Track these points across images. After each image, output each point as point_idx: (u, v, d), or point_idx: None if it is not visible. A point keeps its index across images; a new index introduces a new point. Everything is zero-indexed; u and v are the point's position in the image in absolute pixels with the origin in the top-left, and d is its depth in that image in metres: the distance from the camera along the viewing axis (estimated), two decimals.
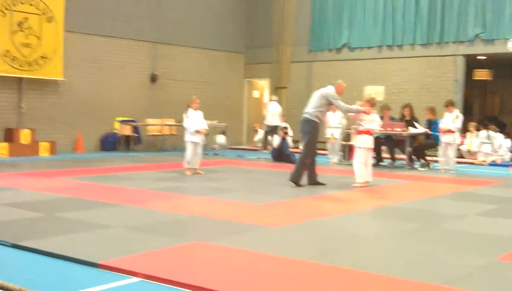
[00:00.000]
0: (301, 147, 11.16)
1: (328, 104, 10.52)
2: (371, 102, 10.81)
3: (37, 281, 4.33)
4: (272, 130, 18.99)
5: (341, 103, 10.47)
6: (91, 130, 18.05)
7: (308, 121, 10.43)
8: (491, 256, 5.39)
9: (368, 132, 10.65)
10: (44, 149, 16.09)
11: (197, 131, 11.85)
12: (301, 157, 10.54)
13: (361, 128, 10.68)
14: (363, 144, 10.61)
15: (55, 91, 17.20)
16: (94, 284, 4.27)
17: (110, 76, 18.48)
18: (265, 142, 19.40)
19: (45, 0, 16.43)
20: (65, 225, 6.42)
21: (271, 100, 19.93)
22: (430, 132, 14.35)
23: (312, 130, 10.41)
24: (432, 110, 14.70)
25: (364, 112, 10.58)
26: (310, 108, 10.47)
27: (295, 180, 10.28)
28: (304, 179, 10.45)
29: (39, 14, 16.37)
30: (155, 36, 19.62)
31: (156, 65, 19.77)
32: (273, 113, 19.23)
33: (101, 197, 8.46)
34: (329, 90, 10.48)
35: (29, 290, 3.78)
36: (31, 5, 16.18)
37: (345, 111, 11.17)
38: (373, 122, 10.80)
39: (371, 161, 11.01)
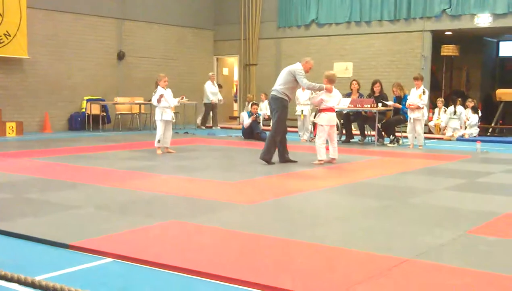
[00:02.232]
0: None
1: (296, 81, 10.45)
2: (330, 79, 10.67)
3: (7, 263, 4.26)
4: (208, 107, 19.80)
5: (304, 80, 10.33)
6: (58, 109, 17.78)
7: (276, 99, 10.39)
8: (462, 229, 5.47)
9: (331, 109, 10.59)
10: (10, 129, 15.81)
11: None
12: (271, 134, 10.50)
13: (323, 106, 10.56)
14: (327, 122, 10.55)
15: (20, 70, 16.86)
16: (65, 266, 4.22)
17: (76, 54, 18.16)
18: (205, 118, 20.01)
19: None
20: (34, 206, 6.32)
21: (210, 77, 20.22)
22: (399, 106, 14.43)
23: (281, 108, 10.36)
24: (400, 86, 14.78)
25: (327, 89, 10.48)
26: (278, 85, 10.41)
27: (266, 158, 10.26)
28: (275, 157, 10.45)
29: None
30: (120, 12, 19.31)
31: (123, 43, 19.49)
32: (210, 90, 19.83)
33: (71, 177, 8.35)
34: (296, 66, 10.41)
35: None
36: None
37: (307, 88, 11.09)
38: (335, 98, 10.73)
39: (336, 137, 11.02)
